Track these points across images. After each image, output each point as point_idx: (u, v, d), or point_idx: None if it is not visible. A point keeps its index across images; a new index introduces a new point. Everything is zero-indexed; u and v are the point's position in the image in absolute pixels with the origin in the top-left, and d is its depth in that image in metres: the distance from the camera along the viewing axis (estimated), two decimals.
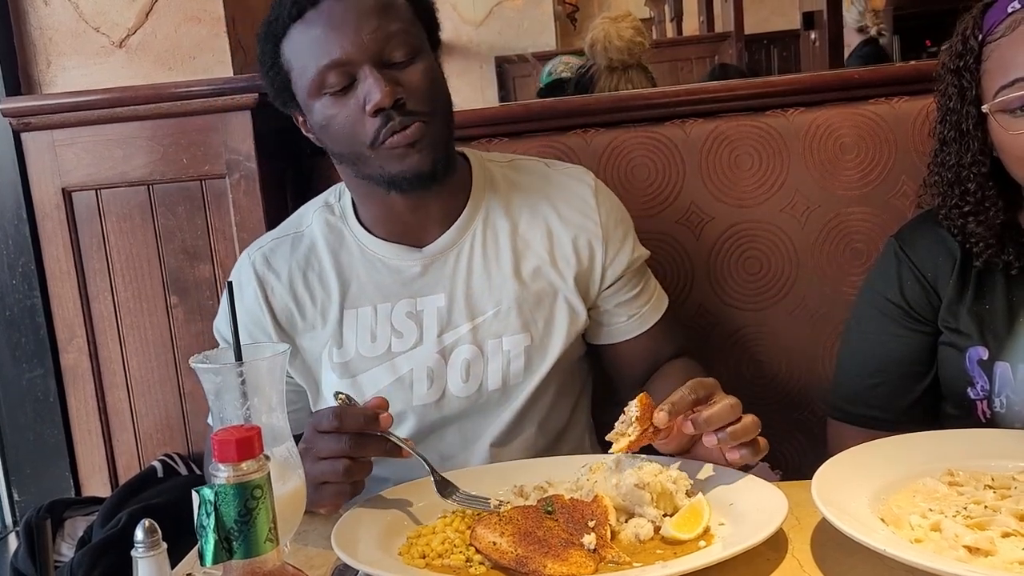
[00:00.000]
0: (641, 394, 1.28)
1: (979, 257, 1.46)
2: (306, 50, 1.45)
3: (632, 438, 1.25)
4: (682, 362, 1.67)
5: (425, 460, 1.33)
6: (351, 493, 1.29)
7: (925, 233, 1.54)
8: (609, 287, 1.62)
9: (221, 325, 1.64)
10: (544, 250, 1.59)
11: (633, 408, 1.26)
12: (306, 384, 1.60)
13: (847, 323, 1.63)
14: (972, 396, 1.46)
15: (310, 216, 1.64)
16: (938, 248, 1.51)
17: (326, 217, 1.62)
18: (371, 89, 1.42)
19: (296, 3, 1.45)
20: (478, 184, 1.61)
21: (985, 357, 1.44)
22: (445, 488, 1.32)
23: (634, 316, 1.65)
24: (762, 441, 1.28)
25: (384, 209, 1.56)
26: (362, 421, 1.26)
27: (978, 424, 1.46)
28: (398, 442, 1.29)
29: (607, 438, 1.28)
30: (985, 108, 1.39)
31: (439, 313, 1.56)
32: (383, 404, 1.30)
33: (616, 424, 1.28)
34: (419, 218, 1.56)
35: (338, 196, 1.65)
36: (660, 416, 1.24)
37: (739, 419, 1.25)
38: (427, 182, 1.49)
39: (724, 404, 1.25)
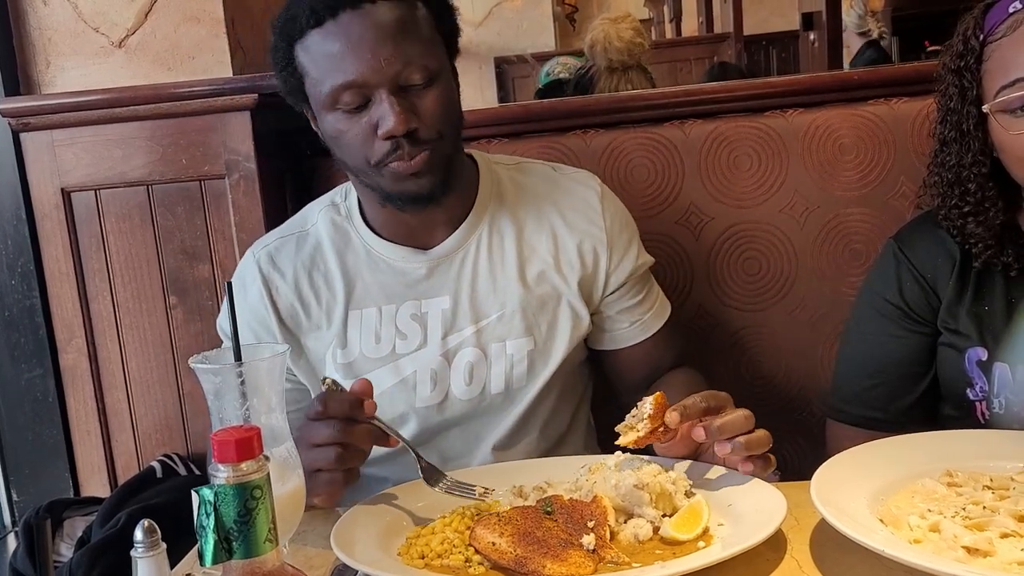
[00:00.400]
0: (658, 393, 1.28)
1: (978, 258, 1.46)
2: (322, 63, 1.43)
3: (641, 434, 1.26)
4: (684, 372, 1.67)
5: (411, 447, 1.34)
6: (343, 482, 1.27)
7: (924, 234, 1.54)
8: (612, 293, 1.62)
9: (225, 323, 1.64)
10: (549, 254, 1.59)
11: (648, 405, 1.27)
12: (309, 384, 1.60)
13: (846, 324, 1.63)
14: (971, 397, 1.46)
15: (315, 215, 1.63)
16: (937, 249, 1.51)
17: (332, 217, 1.62)
18: (385, 115, 1.40)
19: (315, 11, 1.42)
20: (484, 187, 1.61)
21: (984, 358, 1.44)
22: (431, 476, 1.33)
23: (636, 323, 1.65)
24: (772, 457, 1.28)
25: (389, 212, 1.55)
26: (347, 407, 1.26)
27: (977, 425, 1.46)
28: (385, 429, 1.29)
29: (616, 429, 1.29)
30: (986, 108, 1.39)
31: (443, 315, 1.56)
32: (367, 388, 1.29)
33: (627, 417, 1.29)
34: (425, 221, 1.56)
35: (344, 196, 1.65)
36: (672, 416, 1.25)
37: (752, 430, 1.26)
38: (422, 204, 1.50)
39: (738, 414, 1.26)
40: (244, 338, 1.55)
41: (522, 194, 1.63)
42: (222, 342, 2.03)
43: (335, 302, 1.57)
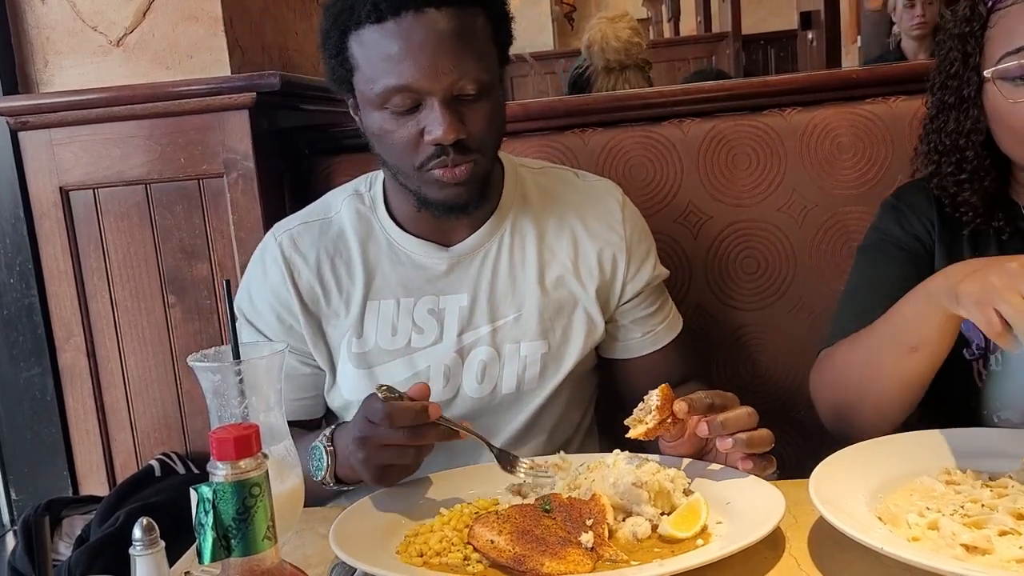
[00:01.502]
0: (663, 384, 1.29)
1: (968, 226, 1.46)
2: (376, 61, 1.42)
3: (650, 426, 1.26)
4: (694, 384, 1.67)
5: (483, 439, 1.36)
6: (415, 470, 1.32)
7: (918, 196, 1.54)
8: (627, 302, 1.63)
9: (243, 302, 1.62)
10: (569, 260, 1.60)
11: (654, 397, 1.27)
12: (327, 368, 1.60)
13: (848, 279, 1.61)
14: (967, 356, 1.46)
15: (339, 203, 1.63)
16: (929, 214, 1.52)
17: (356, 206, 1.61)
18: (435, 123, 1.40)
19: (376, 7, 1.39)
20: (509, 189, 1.62)
21: None
22: (507, 462, 1.36)
23: (648, 334, 1.66)
24: (774, 459, 1.29)
25: (415, 208, 1.55)
26: (413, 417, 1.26)
27: (973, 388, 1.46)
28: (454, 427, 1.30)
29: (626, 422, 1.29)
30: (987, 73, 1.38)
31: (461, 312, 1.56)
32: (425, 392, 1.29)
33: (635, 411, 1.29)
34: (449, 218, 1.55)
35: (369, 186, 1.64)
36: (680, 406, 1.26)
37: (755, 428, 1.26)
38: (457, 213, 1.51)
39: (742, 411, 1.27)
40: (266, 319, 1.57)
41: (545, 198, 1.63)
42: (220, 341, 2.03)
43: (354, 291, 1.57)
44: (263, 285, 1.59)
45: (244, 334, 1.58)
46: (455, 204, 1.48)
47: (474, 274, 1.57)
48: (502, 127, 1.52)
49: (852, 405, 1.43)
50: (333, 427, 1.39)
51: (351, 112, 1.55)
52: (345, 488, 1.40)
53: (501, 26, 1.50)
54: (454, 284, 1.57)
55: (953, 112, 1.45)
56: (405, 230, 1.58)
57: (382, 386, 1.35)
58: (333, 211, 1.63)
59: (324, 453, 1.37)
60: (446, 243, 1.58)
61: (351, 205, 1.62)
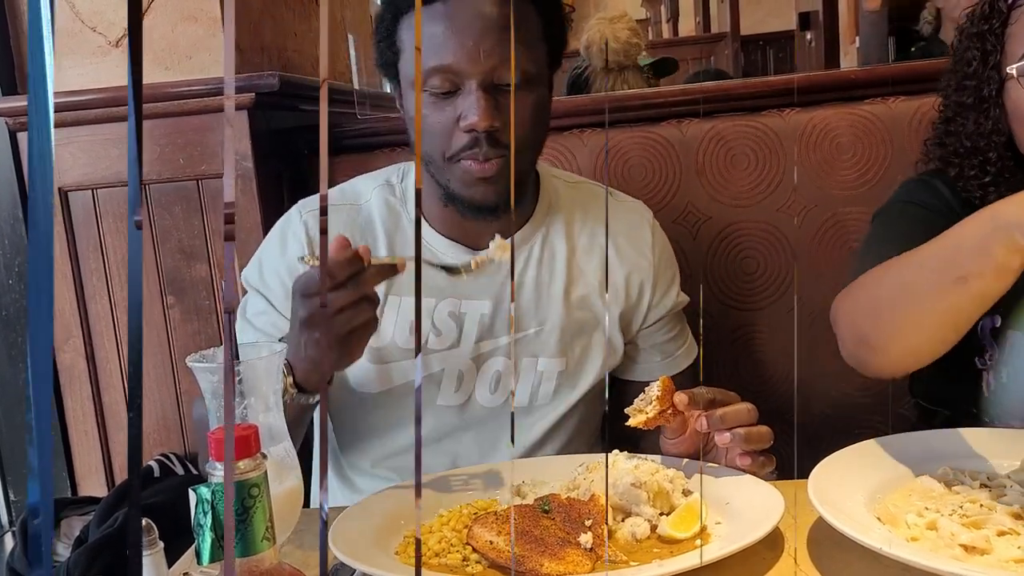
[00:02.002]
0: (664, 376, 1.29)
1: None
2: (422, 42, 1.42)
3: (649, 415, 1.27)
4: None
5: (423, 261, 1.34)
6: (376, 325, 1.24)
7: (947, 178, 1.50)
8: (649, 327, 1.63)
9: (251, 274, 1.57)
10: (596, 279, 1.58)
11: (655, 388, 1.28)
12: None
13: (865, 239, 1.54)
14: (979, 366, 1.45)
15: (369, 192, 1.59)
16: (950, 204, 1.48)
17: (386, 197, 1.58)
18: (470, 108, 1.38)
19: None
20: (544, 200, 1.59)
21: (998, 325, 1.42)
22: (453, 270, 1.34)
23: (667, 359, 1.66)
24: (773, 457, 1.29)
25: (442, 204, 1.52)
26: (348, 265, 1.19)
27: (980, 396, 1.46)
28: (388, 262, 1.24)
29: (626, 411, 1.30)
30: (1010, 70, 1.36)
31: (481, 320, 1.53)
32: (345, 243, 1.21)
33: (635, 401, 1.30)
34: (479, 221, 1.52)
35: (401, 177, 1.61)
36: (680, 397, 1.26)
37: (754, 424, 1.26)
38: (485, 214, 1.46)
39: (741, 406, 1.27)
40: (274, 290, 1.55)
41: (579, 213, 1.61)
42: (219, 341, 2.03)
43: None
44: (279, 259, 1.54)
45: (251, 303, 1.55)
46: (483, 204, 1.44)
47: (500, 282, 1.54)
48: (543, 129, 1.49)
49: (881, 337, 1.29)
50: (278, 340, 1.32)
51: (395, 102, 1.53)
52: (311, 401, 1.32)
53: (553, 24, 1.47)
54: (478, 290, 1.53)
55: (972, 113, 1.42)
56: (434, 228, 1.55)
57: (306, 256, 1.30)
58: (363, 198, 1.59)
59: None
60: (474, 247, 1.53)
61: (381, 195, 1.58)
